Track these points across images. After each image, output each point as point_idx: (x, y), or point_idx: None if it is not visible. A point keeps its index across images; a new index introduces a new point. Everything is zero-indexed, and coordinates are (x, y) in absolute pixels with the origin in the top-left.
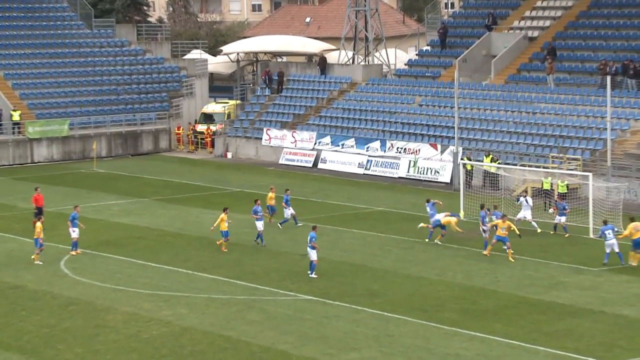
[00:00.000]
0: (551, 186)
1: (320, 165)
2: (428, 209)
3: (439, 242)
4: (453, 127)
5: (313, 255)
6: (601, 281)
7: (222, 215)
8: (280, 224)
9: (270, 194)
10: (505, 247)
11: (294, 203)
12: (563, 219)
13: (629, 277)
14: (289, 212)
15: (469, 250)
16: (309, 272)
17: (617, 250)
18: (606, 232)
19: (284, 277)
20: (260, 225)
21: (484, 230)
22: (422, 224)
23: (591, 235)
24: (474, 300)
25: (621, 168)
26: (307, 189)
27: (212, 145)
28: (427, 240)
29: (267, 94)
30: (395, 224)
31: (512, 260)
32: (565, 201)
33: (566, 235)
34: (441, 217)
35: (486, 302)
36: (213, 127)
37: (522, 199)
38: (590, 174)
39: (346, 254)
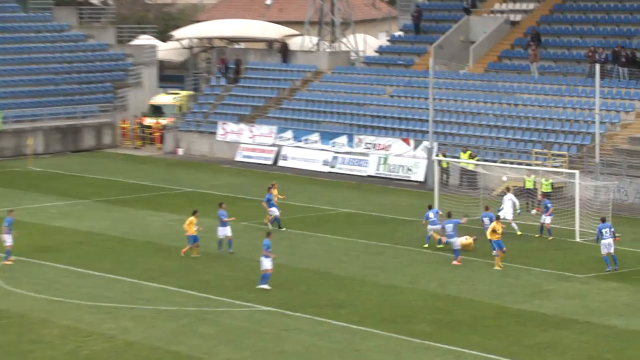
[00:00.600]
0: (534, 185)
1: (280, 163)
2: (431, 215)
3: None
4: (427, 121)
5: (266, 264)
6: (588, 289)
7: (191, 218)
8: (271, 222)
9: (274, 192)
10: (495, 254)
11: (251, 204)
12: (548, 219)
13: (618, 284)
14: (275, 211)
15: (443, 255)
16: (260, 283)
17: (612, 251)
18: (603, 230)
19: (240, 286)
20: (226, 231)
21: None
22: (432, 232)
23: (577, 239)
24: (448, 310)
25: (611, 165)
26: (265, 189)
27: (162, 141)
28: (425, 245)
29: (222, 84)
30: (363, 227)
31: (500, 268)
32: (550, 200)
33: (549, 239)
34: (462, 241)
35: (462, 312)
36: (162, 121)
37: (508, 196)
38: (576, 172)
39: (309, 260)
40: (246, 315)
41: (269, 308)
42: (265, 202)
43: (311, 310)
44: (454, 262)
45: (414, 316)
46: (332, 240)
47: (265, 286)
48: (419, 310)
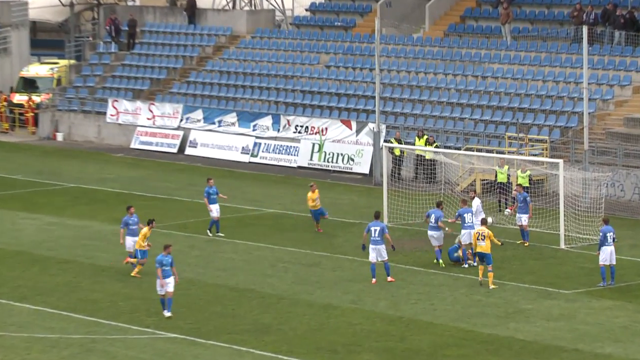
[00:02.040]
0: (508, 178)
1: (188, 151)
2: (433, 217)
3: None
4: (373, 97)
5: (168, 286)
6: (576, 308)
7: (145, 229)
8: (211, 228)
9: (311, 194)
10: (489, 269)
11: (151, 203)
12: (524, 218)
13: (614, 302)
14: (215, 211)
15: (395, 266)
16: (164, 310)
17: (614, 262)
18: (608, 234)
19: (137, 307)
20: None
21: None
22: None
23: (562, 246)
24: (402, 336)
25: (603, 152)
26: (170, 183)
27: (35, 124)
28: (435, 261)
29: (113, 51)
30: (293, 232)
31: (494, 287)
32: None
33: (526, 244)
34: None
35: (419, 339)
36: (36, 98)
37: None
38: (560, 161)
39: (225, 274)
40: (145, 344)
41: (174, 335)
42: (206, 197)
43: (228, 337)
44: (388, 279)
45: (358, 344)
46: (255, 248)
47: (168, 313)
48: (364, 337)
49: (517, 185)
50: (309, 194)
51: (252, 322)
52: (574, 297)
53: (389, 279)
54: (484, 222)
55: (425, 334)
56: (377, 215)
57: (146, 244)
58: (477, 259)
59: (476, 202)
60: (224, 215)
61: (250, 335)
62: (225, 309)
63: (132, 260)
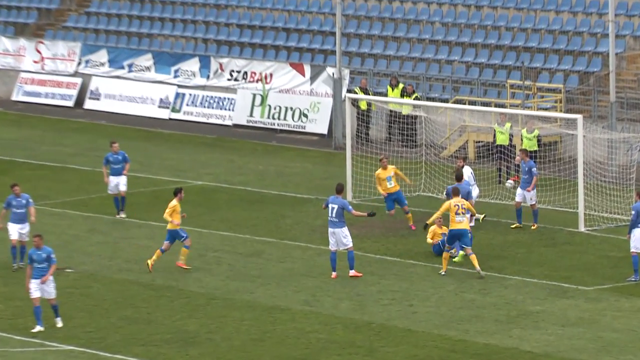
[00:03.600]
0: (510, 139)
1: (89, 104)
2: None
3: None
4: (333, 34)
5: (45, 291)
6: (599, 309)
7: (175, 203)
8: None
9: (381, 171)
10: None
11: (40, 173)
12: (531, 195)
13: None
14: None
15: (362, 256)
16: (56, 317)
17: None
18: None
19: (20, 312)
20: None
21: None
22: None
23: (581, 228)
24: (371, 347)
25: (634, 105)
26: (64, 147)
27: None
28: (453, 258)
29: None
30: (228, 210)
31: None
32: (536, 163)
33: (533, 227)
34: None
35: (393, 351)
36: None
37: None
38: (579, 117)
39: (138, 267)
40: (33, 359)
41: (70, 347)
42: (105, 164)
43: (141, 349)
44: (351, 273)
45: (315, 356)
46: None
47: (60, 323)
48: (321, 349)
49: (521, 150)
50: (379, 172)
51: (174, 330)
52: (597, 295)
53: (352, 272)
54: (456, 191)
55: (401, 345)
56: (340, 189)
57: (180, 218)
58: (445, 241)
59: (467, 172)
60: (135, 189)
61: (171, 348)
62: (138, 312)
63: (167, 245)
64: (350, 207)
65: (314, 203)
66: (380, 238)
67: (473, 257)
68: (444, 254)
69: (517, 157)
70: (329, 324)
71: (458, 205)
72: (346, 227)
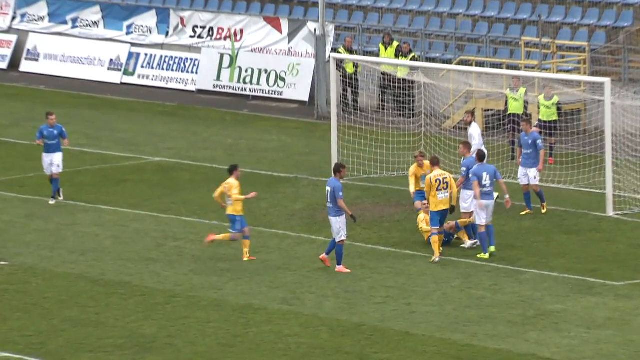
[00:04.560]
0: (525, 108)
1: (25, 66)
2: (486, 178)
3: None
4: None
5: None
6: (631, 308)
7: (233, 181)
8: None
9: (415, 169)
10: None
11: None
12: (534, 174)
13: None
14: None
15: (351, 246)
16: None
17: None
18: None
19: None
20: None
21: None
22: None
23: (609, 212)
24: (361, 355)
25: None
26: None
27: None
28: (484, 255)
29: None
30: (192, 192)
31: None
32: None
33: (544, 210)
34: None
35: (389, 357)
36: None
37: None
38: (606, 80)
39: (84, 259)
40: None
41: (4, 353)
42: (38, 139)
43: (88, 356)
44: (338, 268)
45: None
46: (131, 218)
47: None
48: (304, 355)
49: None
50: (413, 169)
51: (128, 333)
52: (629, 291)
53: (339, 268)
54: (436, 161)
55: (397, 351)
56: (335, 169)
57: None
58: (422, 217)
59: (475, 131)
60: (81, 167)
61: (124, 355)
62: (84, 313)
63: (236, 235)
64: (341, 193)
65: (293, 183)
66: (372, 224)
67: (462, 232)
68: (433, 238)
69: (534, 127)
70: (312, 327)
71: (440, 180)
72: (342, 217)
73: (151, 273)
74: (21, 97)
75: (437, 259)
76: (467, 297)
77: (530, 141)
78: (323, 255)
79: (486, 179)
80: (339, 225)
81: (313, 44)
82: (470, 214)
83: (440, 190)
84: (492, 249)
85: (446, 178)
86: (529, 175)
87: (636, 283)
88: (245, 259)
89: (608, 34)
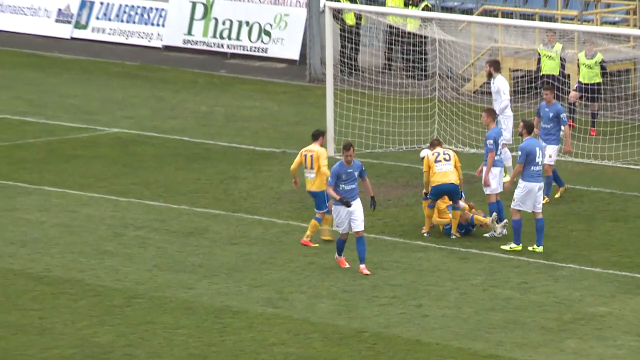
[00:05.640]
0: (562, 67)
1: None
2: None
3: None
4: None
5: None
6: None
7: (317, 146)
8: None
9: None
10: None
11: None
12: (549, 151)
13: None
14: None
15: (353, 235)
16: None
17: None
18: None
19: None
20: None
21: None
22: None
23: None
24: None
25: None
26: None
27: None
28: (507, 247)
29: None
30: (158, 170)
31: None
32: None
33: (557, 196)
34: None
35: None
36: None
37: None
38: None
39: (26, 251)
40: None
41: None
42: None
43: None
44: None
45: None
46: (83, 202)
47: None
48: None
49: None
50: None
51: (79, 342)
52: None
53: (338, 258)
54: (437, 142)
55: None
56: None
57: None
58: (428, 199)
59: (503, 84)
60: (23, 140)
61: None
62: (26, 317)
63: (327, 216)
64: (330, 179)
65: (280, 159)
66: (375, 209)
67: (455, 215)
68: (427, 211)
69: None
70: (302, 333)
71: (438, 152)
72: (339, 205)
73: (107, 269)
74: None
75: (426, 234)
76: (490, 297)
77: (551, 114)
78: (337, 257)
79: (539, 156)
80: (335, 214)
81: None
82: (497, 196)
83: (440, 161)
84: (539, 249)
85: (446, 151)
86: (547, 152)
87: None
88: (327, 237)
89: None
